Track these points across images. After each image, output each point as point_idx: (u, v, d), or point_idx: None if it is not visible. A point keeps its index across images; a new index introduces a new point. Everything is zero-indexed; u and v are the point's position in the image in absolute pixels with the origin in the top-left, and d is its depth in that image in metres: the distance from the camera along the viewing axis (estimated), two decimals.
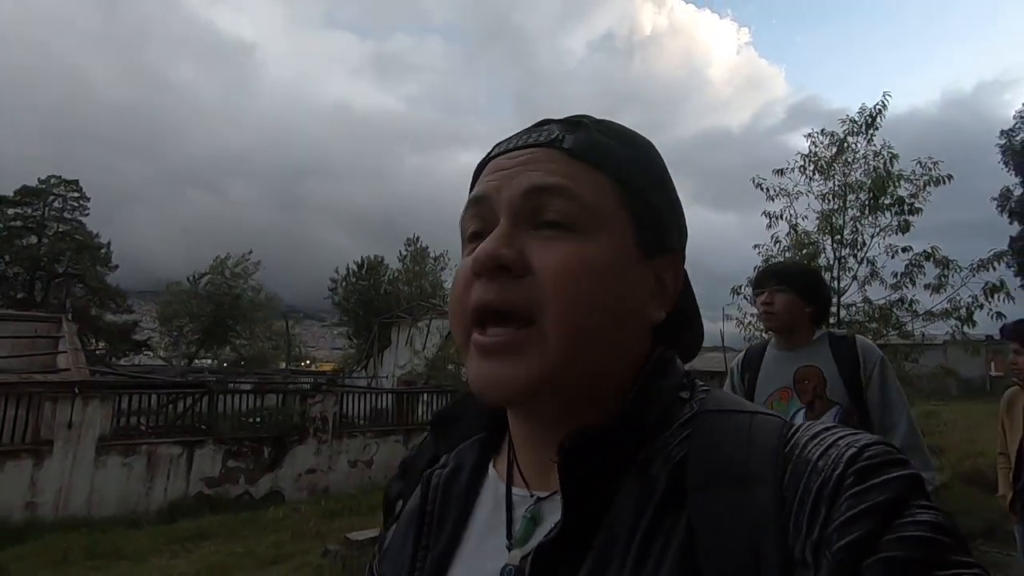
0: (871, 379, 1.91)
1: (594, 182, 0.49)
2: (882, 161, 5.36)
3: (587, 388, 0.47)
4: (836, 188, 5.48)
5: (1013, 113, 26.06)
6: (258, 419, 10.30)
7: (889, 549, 0.35)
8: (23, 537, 7.27)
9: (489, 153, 0.55)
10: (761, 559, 0.38)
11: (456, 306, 0.49)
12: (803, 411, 1.96)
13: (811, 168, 5.57)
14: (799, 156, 5.64)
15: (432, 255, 27.45)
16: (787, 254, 5.47)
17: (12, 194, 26.11)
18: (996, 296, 4.88)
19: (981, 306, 4.93)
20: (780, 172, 5.77)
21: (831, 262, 5.39)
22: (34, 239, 26.10)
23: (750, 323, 5.47)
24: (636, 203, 0.50)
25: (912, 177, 5.34)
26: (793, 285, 2.03)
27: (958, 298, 5.05)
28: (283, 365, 25.67)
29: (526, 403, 0.48)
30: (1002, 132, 27.65)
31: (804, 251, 5.40)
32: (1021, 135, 26.87)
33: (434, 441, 0.62)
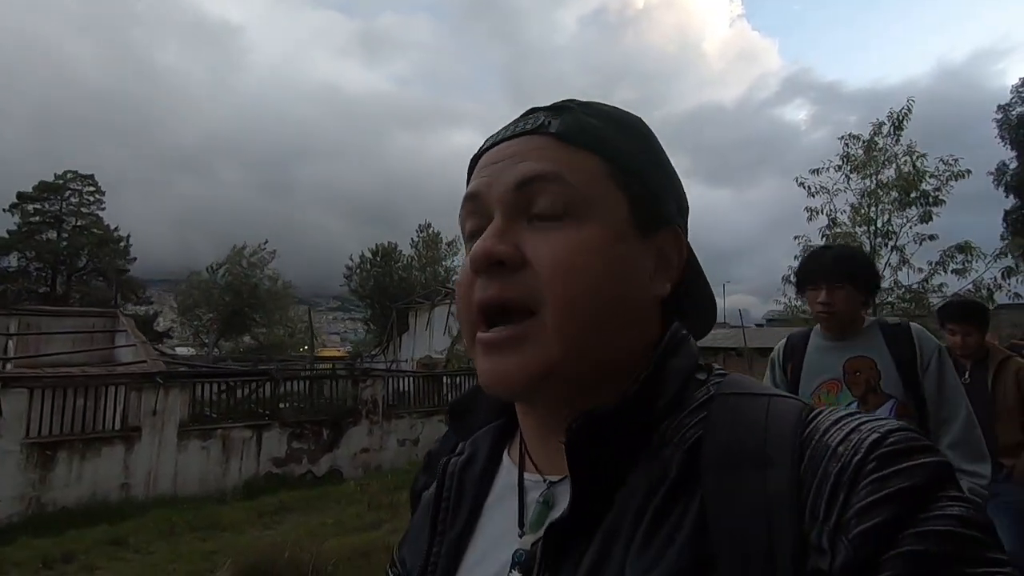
0: (928, 370, 1.81)
1: (584, 164, 0.49)
2: (908, 162, 6.04)
3: (595, 372, 0.48)
4: (871, 186, 6.17)
5: (1010, 87, 26.48)
6: (295, 403, 10.81)
7: (912, 543, 0.34)
8: (124, 515, 8.00)
9: (481, 147, 0.55)
10: (774, 542, 0.37)
11: (462, 305, 0.50)
12: (854, 405, 1.85)
13: (848, 168, 6.25)
14: (836, 156, 6.34)
15: (444, 240, 28.10)
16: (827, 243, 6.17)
17: (31, 189, 26.49)
18: (1012, 278, 5.60)
19: (1000, 287, 5.65)
20: (816, 172, 6.45)
21: (867, 251, 6.11)
22: (53, 234, 26.55)
23: (796, 309, 6.20)
24: (629, 180, 0.50)
25: (936, 173, 6.02)
26: (854, 280, 1.90)
27: (981, 280, 5.77)
28: (301, 351, 26.49)
29: (533, 395, 0.48)
30: (999, 107, 28.08)
31: (841, 243, 6.10)
32: (1017, 110, 27.34)
33: (452, 430, 0.64)
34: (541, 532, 0.47)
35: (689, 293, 0.55)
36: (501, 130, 0.54)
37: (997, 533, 0.36)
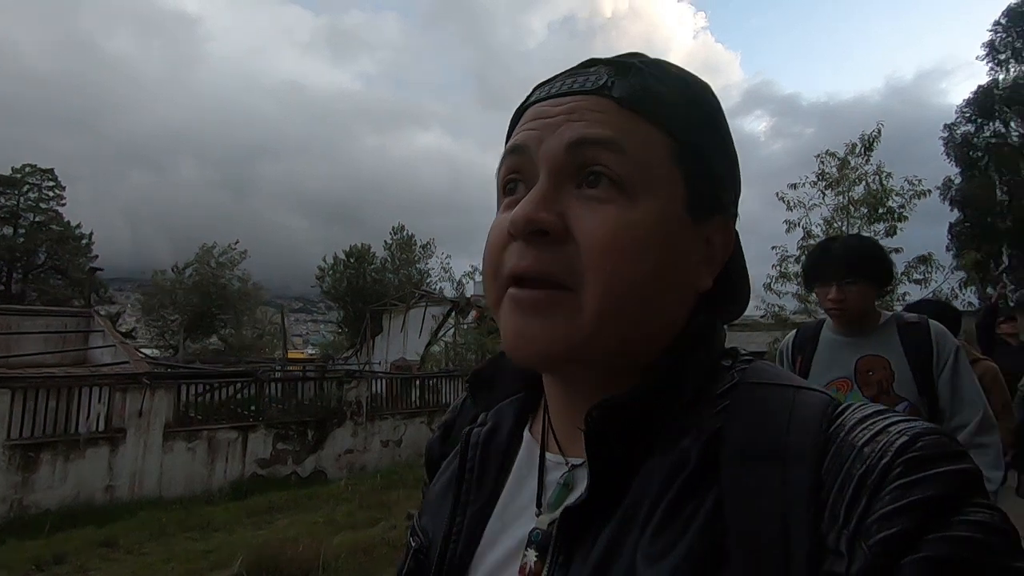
0: (943, 371, 1.71)
1: (645, 135, 0.46)
2: (878, 180, 6.63)
3: (624, 356, 0.47)
4: (843, 203, 6.74)
5: (955, 108, 28.10)
6: (278, 404, 10.75)
7: (932, 548, 0.33)
8: (110, 517, 7.90)
9: (529, 97, 0.52)
10: (790, 541, 0.37)
11: (490, 267, 0.48)
12: None
13: (823, 184, 6.81)
14: (812, 174, 6.91)
15: (418, 243, 28.17)
16: (803, 256, 6.68)
17: None
18: (967, 288, 6.21)
19: (956, 296, 6.26)
20: (794, 186, 7.00)
21: None
22: (9, 230, 25.52)
23: (777, 313, 6.69)
24: (690, 159, 0.47)
25: (901, 191, 6.62)
26: (867, 274, 1.80)
27: (940, 289, 6.37)
28: (271, 353, 26.14)
29: (556, 368, 0.48)
30: (945, 126, 29.66)
31: None
32: (962, 129, 28.96)
33: (472, 401, 0.62)
34: (558, 513, 0.47)
35: (728, 284, 0.53)
36: (555, 79, 0.50)
37: (1019, 537, 0.35)
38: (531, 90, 0.52)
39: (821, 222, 6.88)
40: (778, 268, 7.26)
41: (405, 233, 28.21)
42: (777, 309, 6.89)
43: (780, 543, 0.37)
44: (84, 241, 26.79)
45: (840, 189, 6.72)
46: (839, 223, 6.67)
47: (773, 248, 7.12)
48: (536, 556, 0.47)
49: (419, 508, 0.61)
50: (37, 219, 26.26)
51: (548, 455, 0.52)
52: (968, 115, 27.65)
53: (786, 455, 0.40)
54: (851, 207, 6.68)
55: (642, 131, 0.46)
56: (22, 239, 25.42)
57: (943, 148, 29.16)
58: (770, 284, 6.99)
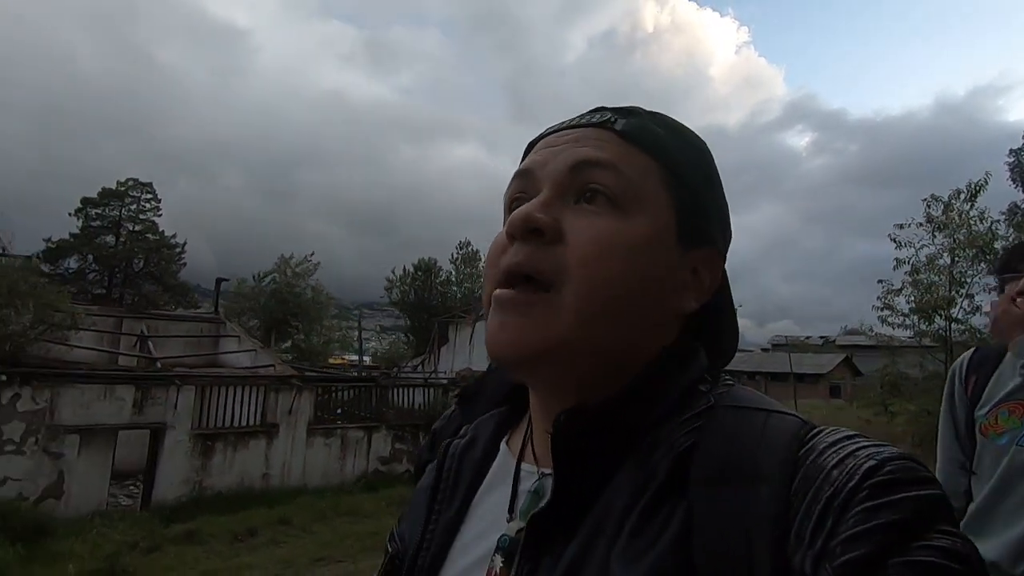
0: None
1: (641, 162, 0.51)
2: (985, 226, 7.33)
3: (602, 366, 0.48)
4: (950, 244, 7.47)
5: (1022, 134, 27.68)
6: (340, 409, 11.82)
7: (896, 572, 0.34)
8: (269, 501, 9.04)
9: (540, 133, 0.58)
10: (754, 560, 0.38)
11: (489, 267, 0.51)
12: None
13: (931, 227, 7.55)
14: (922, 215, 7.66)
15: (482, 259, 29.37)
16: (909, 290, 7.42)
17: (96, 195, 27.89)
18: None
19: None
20: (900, 226, 7.74)
21: (944, 299, 7.36)
22: (111, 238, 27.86)
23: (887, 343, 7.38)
24: (680, 190, 0.52)
25: (1007, 236, 7.30)
26: None
27: None
28: (340, 359, 27.80)
29: (531, 366, 0.48)
30: (1011, 151, 29.30)
31: (922, 289, 7.35)
32: None
33: (459, 413, 0.65)
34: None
35: (715, 319, 0.56)
36: (565, 120, 0.57)
37: (984, 565, 0.36)
38: (544, 129, 0.58)
39: (925, 259, 7.63)
40: (882, 300, 8.07)
41: (471, 248, 29.54)
42: (886, 339, 7.59)
43: (744, 562, 0.38)
44: (177, 250, 29.09)
45: (947, 232, 7.45)
46: (943, 260, 7.37)
47: (880, 282, 7.94)
48: (503, 561, 0.49)
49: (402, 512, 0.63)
50: (136, 228, 28.68)
51: (524, 465, 0.54)
52: None
53: (754, 477, 0.41)
54: (956, 249, 7.38)
55: (638, 158, 0.51)
56: (122, 247, 27.76)
57: (1008, 172, 28.71)
58: (885, 318, 7.75)
